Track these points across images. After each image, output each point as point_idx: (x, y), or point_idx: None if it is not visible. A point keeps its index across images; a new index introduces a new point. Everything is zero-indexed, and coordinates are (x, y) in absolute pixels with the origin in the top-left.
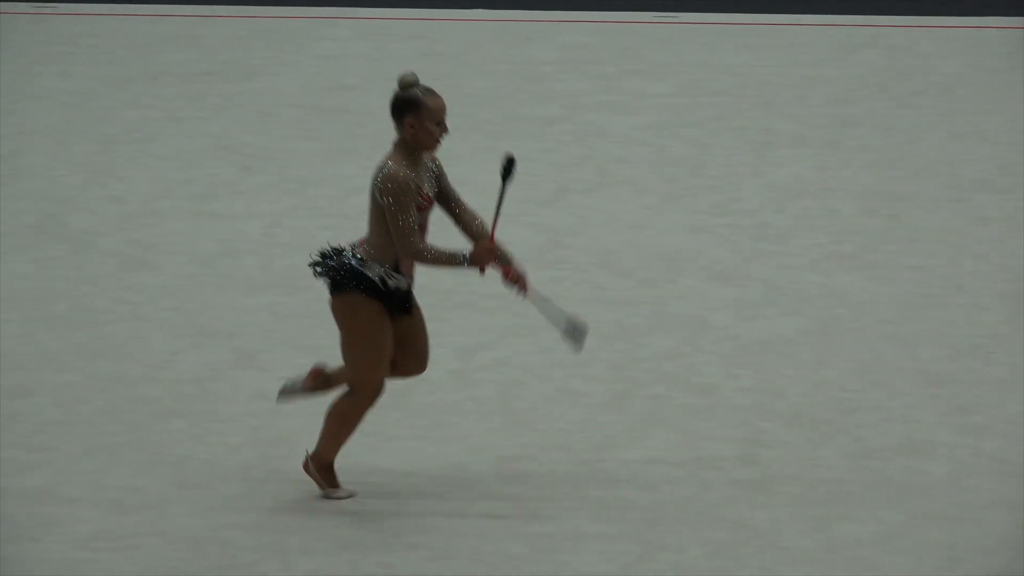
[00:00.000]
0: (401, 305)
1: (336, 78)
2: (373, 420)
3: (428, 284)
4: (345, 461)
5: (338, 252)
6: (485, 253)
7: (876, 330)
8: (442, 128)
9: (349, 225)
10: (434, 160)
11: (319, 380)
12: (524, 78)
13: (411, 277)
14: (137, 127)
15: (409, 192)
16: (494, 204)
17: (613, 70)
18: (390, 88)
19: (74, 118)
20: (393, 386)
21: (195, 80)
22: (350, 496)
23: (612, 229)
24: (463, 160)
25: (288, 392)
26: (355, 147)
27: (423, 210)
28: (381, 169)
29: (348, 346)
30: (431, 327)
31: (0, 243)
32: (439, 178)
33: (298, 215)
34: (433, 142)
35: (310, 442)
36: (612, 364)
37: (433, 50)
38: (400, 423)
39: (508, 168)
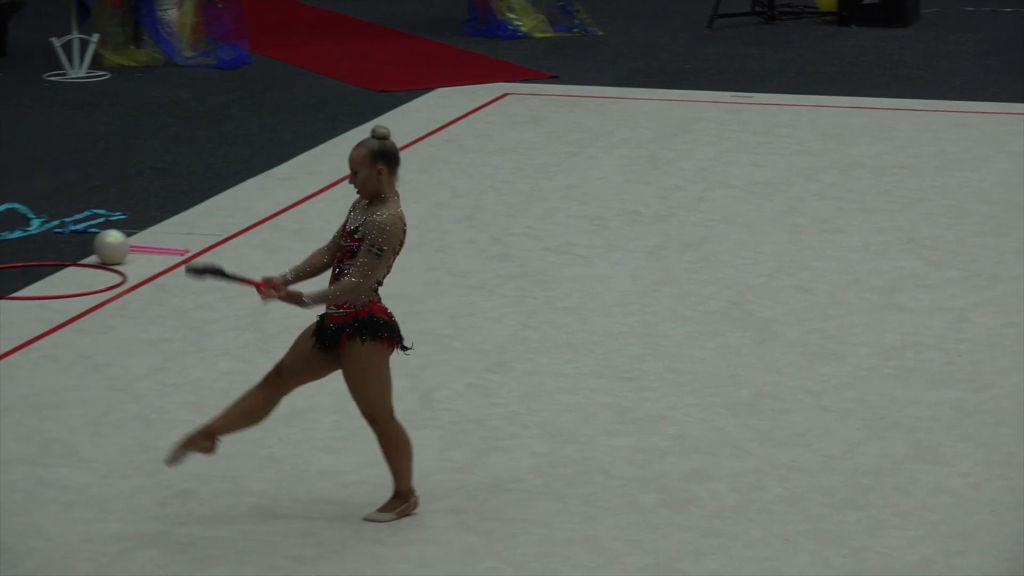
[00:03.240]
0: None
1: None
2: None
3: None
4: None
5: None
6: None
7: None
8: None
9: None
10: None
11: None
12: None
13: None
14: (827, 218)
15: None
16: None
17: None
18: None
19: (765, 207)
20: None
21: (887, 173)
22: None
23: None
24: None
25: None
26: None
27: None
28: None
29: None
30: None
31: (687, 328)
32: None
33: (985, 311)
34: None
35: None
36: None
37: None
38: None
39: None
